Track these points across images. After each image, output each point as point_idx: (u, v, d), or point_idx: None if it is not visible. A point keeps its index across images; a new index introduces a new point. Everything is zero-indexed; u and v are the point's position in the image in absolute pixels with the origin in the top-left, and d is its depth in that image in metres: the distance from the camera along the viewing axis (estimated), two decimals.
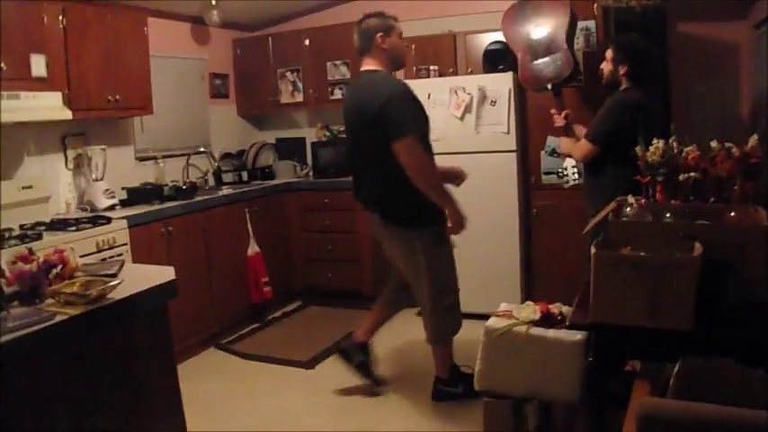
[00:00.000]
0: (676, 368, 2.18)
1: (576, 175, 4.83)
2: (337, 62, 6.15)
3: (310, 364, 4.67)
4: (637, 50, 4.02)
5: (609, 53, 4.09)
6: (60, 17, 4.31)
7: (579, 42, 5.05)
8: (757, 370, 2.04)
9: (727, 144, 2.80)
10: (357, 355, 4.14)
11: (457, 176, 4.08)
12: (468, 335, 4.07)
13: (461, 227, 3.76)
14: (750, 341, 2.21)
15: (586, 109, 4.28)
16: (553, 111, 4.49)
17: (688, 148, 2.84)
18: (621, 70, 4.01)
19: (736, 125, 5.72)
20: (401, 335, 4.89)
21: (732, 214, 2.62)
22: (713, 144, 2.83)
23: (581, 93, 4.92)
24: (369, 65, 3.77)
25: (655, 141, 2.92)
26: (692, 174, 2.79)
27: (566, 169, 4.68)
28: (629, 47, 4.02)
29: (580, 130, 4.38)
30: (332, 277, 5.99)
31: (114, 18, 4.75)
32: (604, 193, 3.80)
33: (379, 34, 3.71)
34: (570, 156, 4.38)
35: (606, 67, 4.11)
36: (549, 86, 4.52)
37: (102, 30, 4.62)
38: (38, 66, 4.12)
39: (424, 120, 3.71)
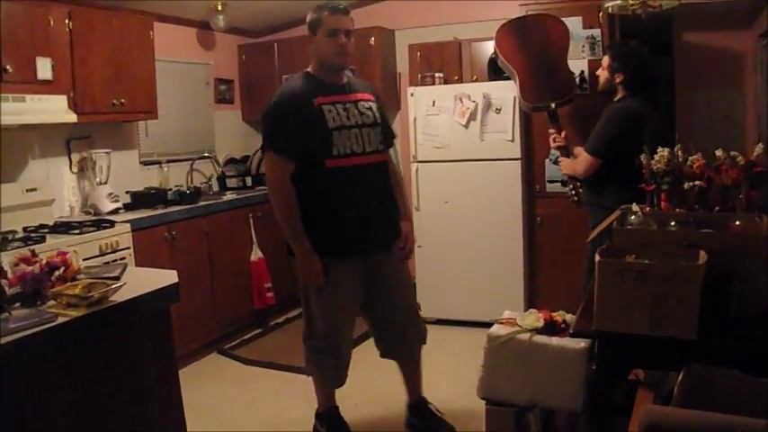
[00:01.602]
0: (680, 377, 2.17)
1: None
2: None
3: None
4: (634, 58, 3.98)
5: (605, 60, 4.07)
6: (67, 20, 4.32)
7: (584, 50, 5.05)
8: (762, 379, 2.03)
9: (732, 153, 2.79)
10: (420, 418, 3.73)
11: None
12: (472, 342, 4.07)
13: (307, 277, 3.27)
14: (755, 350, 2.20)
15: (592, 118, 4.23)
16: (551, 131, 4.41)
17: (693, 157, 2.84)
18: (618, 78, 3.98)
19: (742, 134, 5.72)
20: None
21: (737, 223, 2.61)
22: (718, 153, 2.82)
23: (587, 102, 4.91)
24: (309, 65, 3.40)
25: (660, 150, 2.91)
26: (696, 182, 2.79)
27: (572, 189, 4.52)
28: (626, 55, 3.98)
29: (580, 149, 4.33)
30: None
31: (120, 22, 4.76)
32: (603, 203, 3.80)
33: (309, 33, 3.30)
34: (573, 175, 4.25)
35: (602, 74, 4.09)
36: (553, 105, 4.43)
37: (108, 34, 4.63)
38: (44, 69, 4.12)
39: (295, 136, 3.20)
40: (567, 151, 4.33)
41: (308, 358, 3.54)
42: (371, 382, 4.16)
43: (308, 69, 3.37)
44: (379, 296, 3.47)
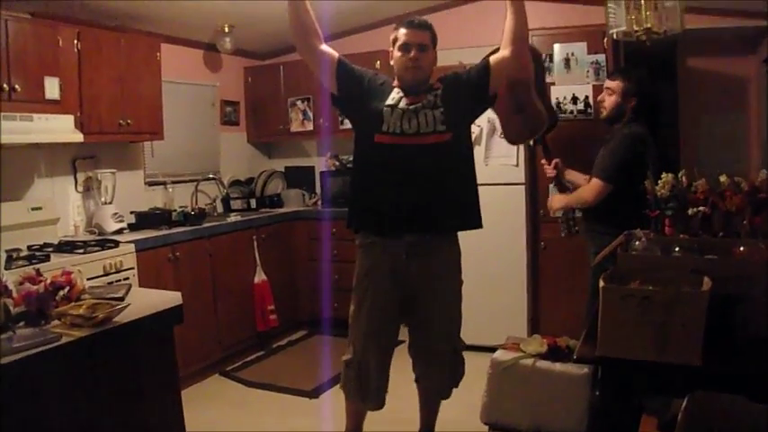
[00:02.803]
0: (684, 403, 2.16)
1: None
2: None
3: (314, 393, 4.63)
4: (646, 84, 4.00)
5: (612, 84, 3.99)
6: (75, 41, 4.36)
7: (589, 75, 5.08)
8: (767, 406, 2.02)
9: (736, 178, 2.80)
10: None
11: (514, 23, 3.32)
12: (475, 367, 4.05)
13: None
14: (760, 377, 2.18)
15: (592, 143, 4.21)
16: (543, 161, 4.37)
17: (697, 183, 2.84)
18: (630, 103, 3.93)
19: (746, 159, 5.73)
20: None
21: (741, 249, 2.60)
22: (722, 178, 2.83)
23: (590, 125, 4.92)
24: None
25: (664, 175, 2.92)
26: (700, 208, 2.79)
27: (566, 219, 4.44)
28: (639, 79, 3.97)
29: (572, 174, 4.31)
30: (338, 307, 5.96)
31: (128, 43, 4.80)
32: (605, 229, 3.75)
33: (390, 49, 3.32)
34: (569, 207, 4.15)
35: (610, 99, 3.98)
36: (531, 143, 4.41)
37: (115, 54, 4.67)
38: (51, 88, 4.16)
39: (352, 72, 3.31)
40: (560, 183, 4.25)
41: (342, 371, 3.40)
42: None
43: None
44: (416, 304, 3.27)
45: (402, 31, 3.22)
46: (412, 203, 3.12)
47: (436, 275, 3.27)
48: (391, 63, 3.30)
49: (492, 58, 3.28)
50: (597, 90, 5.06)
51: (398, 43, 3.23)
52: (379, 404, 3.34)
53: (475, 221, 3.33)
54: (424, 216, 3.14)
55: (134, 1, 4.71)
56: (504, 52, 3.24)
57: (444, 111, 3.15)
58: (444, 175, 3.17)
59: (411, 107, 3.13)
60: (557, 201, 4.19)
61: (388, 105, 3.15)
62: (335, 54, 3.27)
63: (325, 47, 3.23)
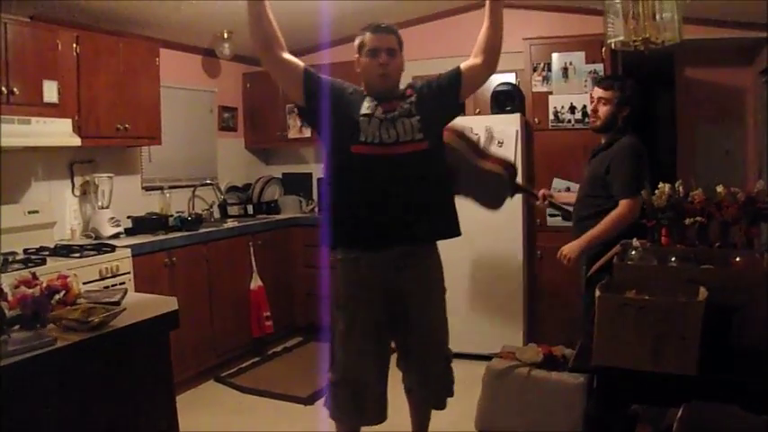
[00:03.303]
0: (679, 413, 2.17)
1: None
2: None
3: (310, 400, 4.62)
4: (638, 93, 3.97)
5: (607, 94, 3.86)
6: (74, 45, 4.37)
7: (587, 85, 5.09)
8: (761, 417, 2.02)
9: (732, 189, 2.80)
10: None
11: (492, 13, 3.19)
12: (470, 375, 4.04)
13: None
14: (755, 388, 2.19)
15: (587, 151, 4.19)
16: (537, 203, 4.31)
17: (694, 193, 2.85)
18: (624, 112, 3.86)
19: (742, 169, 5.75)
20: None
21: (737, 259, 2.61)
22: (719, 189, 2.83)
23: (588, 134, 4.92)
24: None
25: (660, 185, 2.93)
26: (697, 218, 2.79)
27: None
28: (632, 89, 3.92)
29: (561, 197, 4.28)
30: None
31: (127, 48, 4.80)
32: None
33: (355, 55, 3.22)
34: (591, 246, 3.76)
35: (603, 108, 3.86)
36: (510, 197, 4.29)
37: (114, 59, 4.68)
38: (50, 92, 4.16)
39: (316, 81, 3.15)
40: (560, 209, 4.13)
41: (326, 390, 3.31)
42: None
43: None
44: (405, 318, 3.21)
45: (369, 36, 3.14)
46: (398, 214, 3.06)
47: (426, 285, 3.23)
48: (357, 70, 3.20)
49: (464, 66, 3.23)
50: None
51: (366, 49, 3.13)
52: (383, 417, 3.25)
53: (456, 229, 3.27)
54: (411, 226, 3.08)
55: (134, 4, 4.70)
56: (477, 60, 3.19)
57: (420, 119, 3.09)
58: (425, 184, 3.11)
59: (388, 116, 3.05)
60: (576, 248, 3.79)
61: (365, 115, 3.05)
62: (301, 63, 3.14)
63: (288, 56, 3.10)
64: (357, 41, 3.19)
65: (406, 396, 3.47)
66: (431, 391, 3.36)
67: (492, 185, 3.57)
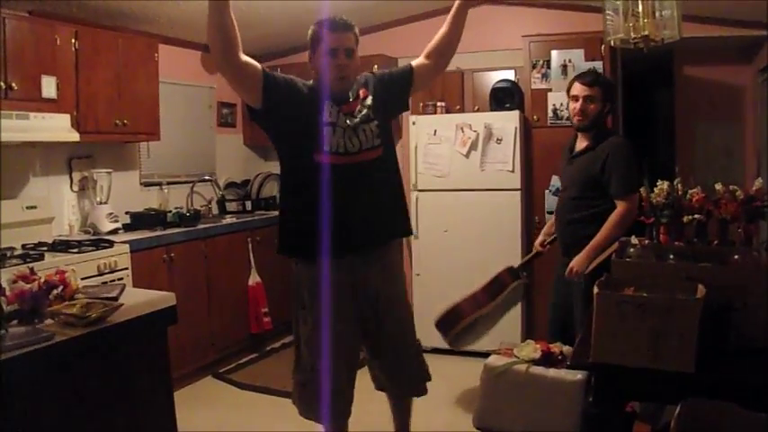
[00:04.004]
0: (677, 410, 2.17)
1: None
2: None
3: None
4: (615, 90, 3.97)
5: (593, 92, 3.79)
6: (73, 40, 4.36)
7: None
8: (759, 414, 2.02)
9: (731, 186, 2.80)
10: None
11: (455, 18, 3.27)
12: (469, 372, 4.05)
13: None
14: (753, 385, 2.19)
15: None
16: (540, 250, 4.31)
17: (692, 190, 2.85)
18: (607, 109, 3.86)
19: (741, 167, 5.75)
20: None
21: (736, 257, 2.61)
22: (718, 186, 2.84)
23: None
24: None
25: (659, 183, 2.93)
26: (696, 216, 2.80)
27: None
28: (611, 85, 3.95)
29: (548, 228, 4.29)
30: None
31: (126, 43, 4.80)
32: (587, 236, 3.74)
33: (308, 51, 3.09)
34: (612, 240, 3.67)
35: (591, 106, 3.79)
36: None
37: (113, 54, 4.67)
38: (48, 87, 4.16)
39: (278, 82, 3.01)
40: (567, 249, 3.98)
41: (294, 393, 3.28)
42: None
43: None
44: (375, 316, 3.19)
45: (327, 34, 2.98)
46: (363, 219, 3.04)
47: (391, 280, 3.22)
48: (310, 65, 3.08)
49: (416, 65, 3.24)
50: None
51: (324, 47, 2.97)
52: (348, 416, 3.22)
53: (410, 228, 3.40)
54: (375, 229, 3.09)
55: (132, 0, 4.69)
56: (430, 62, 3.23)
57: (378, 123, 3.07)
58: (385, 187, 3.13)
59: (351, 123, 3.00)
60: (584, 261, 3.73)
61: (330, 123, 2.97)
62: (258, 65, 2.96)
63: (247, 58, 2.94)
64: (311, 34, 3.05)
65: (387, 394, 3.47)
66: (409, 382, 3.36)
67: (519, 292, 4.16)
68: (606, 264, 3.17)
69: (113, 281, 4.06)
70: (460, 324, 3.97)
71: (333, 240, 2.97)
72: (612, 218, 3.66)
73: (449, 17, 3.18)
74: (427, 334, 5.42)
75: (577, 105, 3.81)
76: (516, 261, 5.12)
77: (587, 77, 3.87)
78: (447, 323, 4.07)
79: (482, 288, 4.17)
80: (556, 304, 4.03)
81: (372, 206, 3.06)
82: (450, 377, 4.71)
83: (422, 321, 5.44)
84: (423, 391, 3.39)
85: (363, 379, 3.39)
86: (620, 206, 3.65)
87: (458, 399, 4.12)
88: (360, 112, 3.05)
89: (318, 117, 2.96)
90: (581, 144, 3.89)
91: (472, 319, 3.99)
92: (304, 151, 2.99)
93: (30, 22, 4.14)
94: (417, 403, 3.58)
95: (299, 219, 3.05)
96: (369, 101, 3.10)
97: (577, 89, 3.83)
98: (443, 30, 3.20)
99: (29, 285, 2.38)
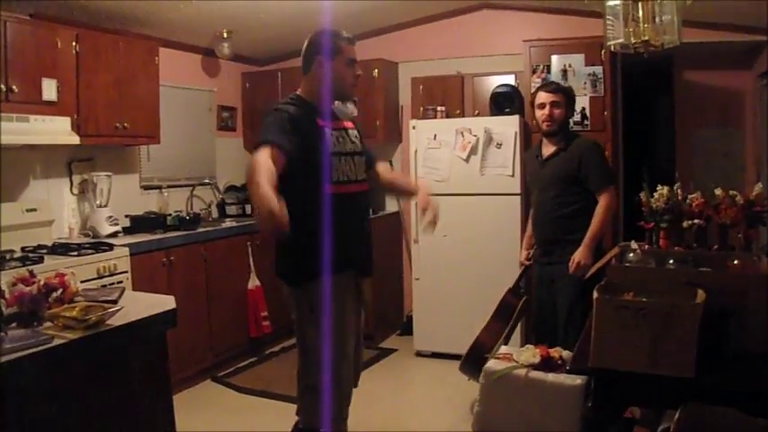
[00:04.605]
0: (677, 416, 2.16)
1: None
2: None
3: None
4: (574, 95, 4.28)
5: (556, 97, 4.07)
6: (74, 43, 4.36)
7: (586, 87, 5.11)
8: (759, 419, 2.02)
9: (731, 192, 2.81)
10: None
11: (410, 193, 3.59)
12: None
13: (265, 224, 2.69)
14: (752, 389, 2.19)
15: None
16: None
17: (692, 195, 2.86)
18: (570, 114, 4.21)
19: (741, 172, 5.76)
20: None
21: (735, 262, 2.61)
22: (717, 191, 2.84)
23: (587, 136, 4.94)
24: (298, 90, 3.25)
25: (659, 188, 2.93)
26: (695, 221, 2.80)
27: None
28: (572, 94, 4.24)
29: (527, 239, 4.50)
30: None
31: (127, 47, 4.80)
32: (577, 237, 3.96)
33: (319, 57, 3.14)
34: (604, 230, 4.07)
35: (557, 111, 4.05)
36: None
37: (114, 57, 4.67)
38: (49, 90, 4.16)
39: (306, 147, 3.01)
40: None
41: (301, 402, 3.25)
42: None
43: (299, 93, 3.21)
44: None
45: (346, 46, 3.17)
46: (365, 243, 3.32)
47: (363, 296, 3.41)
48: (322, 72, 3.14)
49: (377, 164, 3.45)
50: (594, 102, 5.11)
51: (344, 57, 3.15)
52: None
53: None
54: (370, 251, 3.36)
55: (134, 2, 4.70)
56: (375, 174, 3.41)
57: (363, 159, 3.30)
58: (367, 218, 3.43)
59: (348, 150, 3.19)
60: (587, 252, 3.93)
61: (335, 153, 3.11)
62: (274, 160, 2.86)
63: (273, 173, 2.81)
64: (330, 46, 3.16)
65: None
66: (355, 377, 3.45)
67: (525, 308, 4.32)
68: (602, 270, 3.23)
69: (113, 284, 4.05)
70: (488, 359, 3.95)
71: (350, 262, 3.20)
72: (599, 210, 3.97)
73: (404, 184, 3.68)
74: (429, 338, 5.46)
75: (545, 112, 4.08)
76: (515, 265, 5.13)
77: (550, 86, 4.23)
78: (474, 362, 4.07)
79: (492, 317, 4.35)
80: (538, 307, 4.31)
81: (366, 227, 3.36)
82: (450, 381, 4.71)
83: (421, 325, 5.49)
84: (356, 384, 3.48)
85: (364, 379, 3.40)
86: (603, 199, 3.98)
87: (457, 403, 4.11)
88: (349, 137, 3.24)
89: (322, 144, 3.08)
90: (549, 149, 4.16)
91: (497, 350, 4.00)
92: (318, 182, 3.07)
93: (31, 25, 4.14)
94: (417, 407, 3.59)
95: (309, 243, 3.13)
96: (356, 136, 3.29)
97: (543, 97, 4.12)
98: (396, 179, 3.65)
99: (28, 288, 2.37)
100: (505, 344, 4.20)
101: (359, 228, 3.27)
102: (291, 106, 3.09)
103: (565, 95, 4.11)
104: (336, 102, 3.33)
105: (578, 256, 3.91)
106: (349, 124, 3.29)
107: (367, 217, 3.41)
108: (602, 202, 3.96)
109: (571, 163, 4.02)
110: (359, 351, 3.41)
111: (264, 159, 2.81)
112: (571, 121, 4.48)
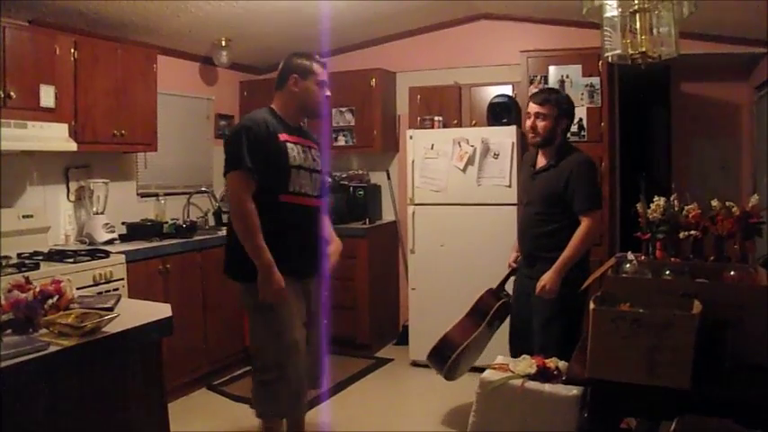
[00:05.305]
0: (673, 427, 2.16)
1: None
2: (342, 109, 6.18)
3: None
4: (572, 106, 4.01)
5: (544, 109, 3.85)
6: (72, 50, 4.37)
7: (583, 98, 5.11)
8: (755, 431, 2.02)
9: (727, 203, 2.81)
10: None
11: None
12: (463, 386, 4.03)
13: (269, 295, 3.26)
14: (748, 402, 2.19)
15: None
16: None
17: (689, 207, 2.86)
18: (562, 125, 3.89)
19: (737, 183, 5.77)
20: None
21: (732, 273, 2.62)
22: (714, 203, 2.85)
23: (584, 147, 4.94)
24: (271, 103, 3.57)
25: (656, 199, 2.94)
26: (692, 232, 2.81)
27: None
28: (568, 101, 3.97)
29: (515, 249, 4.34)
30: (327, 323, 5.93)
31: (125, 54, 4.80)
32: (553, 253, 3.78)
33: (294, 75, 3.47)
34: (578, 256, 3.80)
35: (541, 123, 3.85)
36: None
37: (112, 65, 4.67)
38: (47, 96, 4.16)
39: (258, 161, 3.28)
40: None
41: (257, 396, 3.43)
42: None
43: (273, 106, 3.54)
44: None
45: (318, 68, 3.51)
46: (314, 256, 3.54)
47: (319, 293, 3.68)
48: (295, 90, 3.49)
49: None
50: (591, 112, 5.12)
51: (316, 78, 3.49)
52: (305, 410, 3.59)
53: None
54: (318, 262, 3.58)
55: (133, 10, 4.70)
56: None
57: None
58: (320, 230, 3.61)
59: (308, 166, 3.47)
60: (555, 277, 3.75)
61: (295, 166, 3.39)
62: (251, 184, 3.30)
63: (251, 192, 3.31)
64: (303, 65, 3.50)
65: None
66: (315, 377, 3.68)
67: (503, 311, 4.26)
68: (581, 279, 3.24)
69: (109, 291, 4.05)
70: (453, 355, 3.98)
71: (301, 264, 3.47)
72: (578, 234, 3.73)
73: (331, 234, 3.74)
74: (425, 348, 5.43)
75: (528, 122, 3.94)
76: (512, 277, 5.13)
77: (538, 96, 3.99)
78: (439, 356, 4.10)
79: (466, 315, 4.27)
80: (512, 322, 4.18)
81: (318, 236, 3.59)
82: (445, 391, 4.70)
83: (417, 335, 5.48)
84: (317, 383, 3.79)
85: (360, 388, 3.40)
86: (585, 222, 3.73)
87: (452, 413, 4.10)
88: (312, 151, 3.55)
89: (286, 155, 3.38)
90: (542, 161, 3.98)
91: (463, 348, 4.01)
92: (277, 190, 3.38)
93: (29, 32, 4.15)
94: (413, 417, 3.58)
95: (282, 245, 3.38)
96: (318, 155, 3.60)
97: (529, 107, 3.97)
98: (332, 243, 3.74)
99: (24, 294, 2.37)
100: (479, 353, 4.21)
101: (308, 240, 3.49)
102: (260, 118, 3.41)
103: (555, 107, 3.85)
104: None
105: (545, 279, 3.75)
106: (314, 144, 3.61)
107: (320, 232, 3.58)
108: (583, 225, 3.72)
109: (558, 181, 3.79)
110: (316, 351, 3.62)
111: (247, 198, 3.24)
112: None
